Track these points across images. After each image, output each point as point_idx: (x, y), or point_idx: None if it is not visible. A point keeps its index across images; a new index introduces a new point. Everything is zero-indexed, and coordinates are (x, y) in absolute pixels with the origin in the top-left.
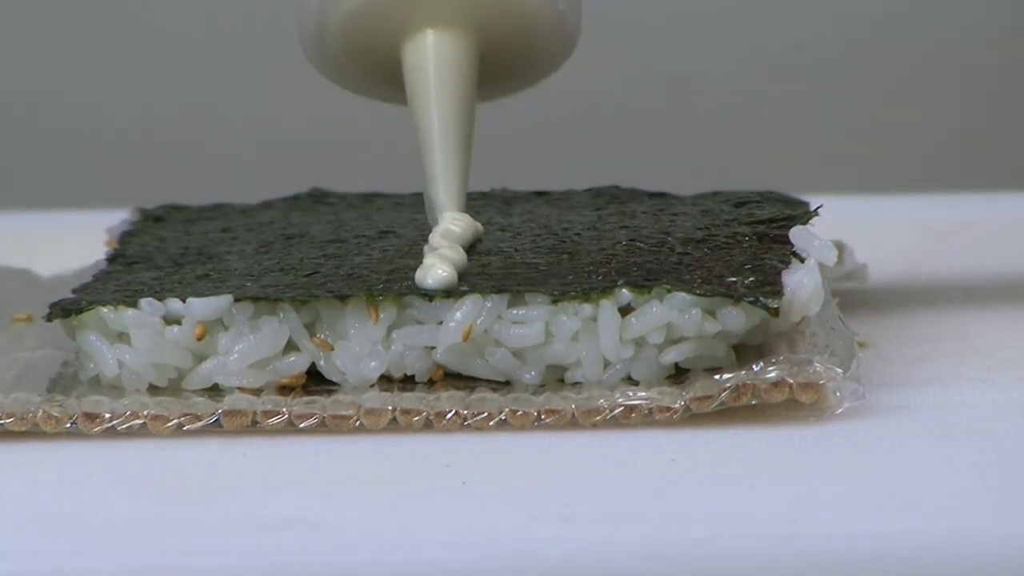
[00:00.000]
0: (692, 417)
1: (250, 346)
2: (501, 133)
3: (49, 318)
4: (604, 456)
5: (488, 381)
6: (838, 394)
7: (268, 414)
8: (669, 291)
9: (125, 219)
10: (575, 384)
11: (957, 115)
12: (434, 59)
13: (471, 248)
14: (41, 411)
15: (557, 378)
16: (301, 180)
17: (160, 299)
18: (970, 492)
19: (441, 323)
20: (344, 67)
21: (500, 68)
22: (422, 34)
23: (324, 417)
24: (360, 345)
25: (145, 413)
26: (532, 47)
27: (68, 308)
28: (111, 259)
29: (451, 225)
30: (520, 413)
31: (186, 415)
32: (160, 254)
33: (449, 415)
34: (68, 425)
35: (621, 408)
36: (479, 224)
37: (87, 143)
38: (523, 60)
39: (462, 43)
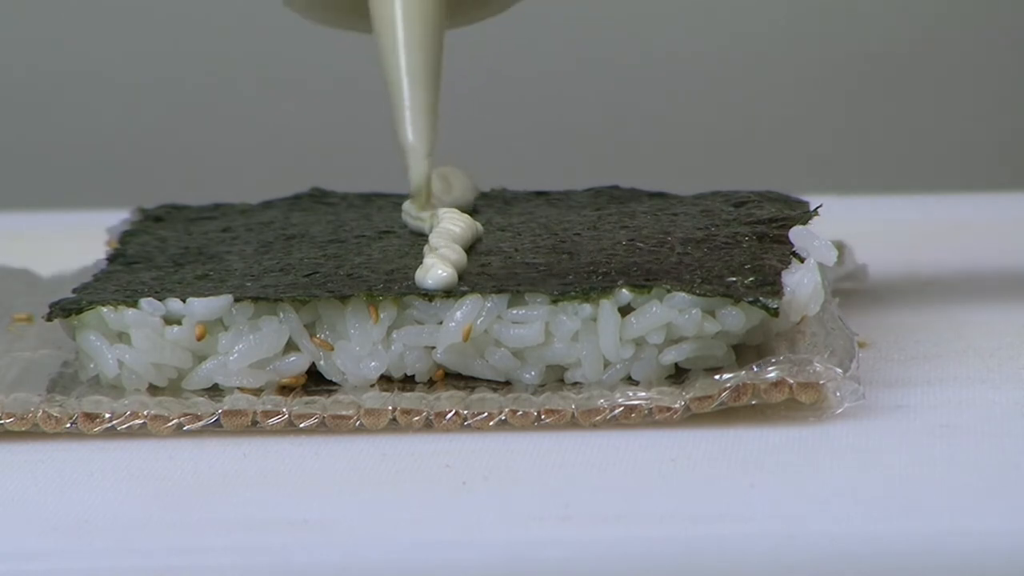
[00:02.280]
0: (692, 417)
1: (250, 346)
2: (501, 133)
3: (49, 318)
4: (604, 456)
5: (488, 381)
6: (838, 394)
7: (268, 414)
8: (669, 291)
9: (125, 219)
10: (575, 384)
11: (957, 115)
12: None
13: (471, 248)
14: (41, 411)
15: (557, 378)
16: (301, 180)
17: (160, 299)
18: (970, 492)
19: (441, 323)
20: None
21: None
22: None
23: (324, 417)
24: (360, 345)
25: (145, 413)
26: None
27: (68, 308)
28: (111, 259)
29: (451, 225)
30: (520, 413)
31: (186, 415)
32: (160, 254)
33: (449, 415)
34: (68, 425)
35: (621, 408)
36: (479, 224)
37: (87, 143)
38: None
39: None
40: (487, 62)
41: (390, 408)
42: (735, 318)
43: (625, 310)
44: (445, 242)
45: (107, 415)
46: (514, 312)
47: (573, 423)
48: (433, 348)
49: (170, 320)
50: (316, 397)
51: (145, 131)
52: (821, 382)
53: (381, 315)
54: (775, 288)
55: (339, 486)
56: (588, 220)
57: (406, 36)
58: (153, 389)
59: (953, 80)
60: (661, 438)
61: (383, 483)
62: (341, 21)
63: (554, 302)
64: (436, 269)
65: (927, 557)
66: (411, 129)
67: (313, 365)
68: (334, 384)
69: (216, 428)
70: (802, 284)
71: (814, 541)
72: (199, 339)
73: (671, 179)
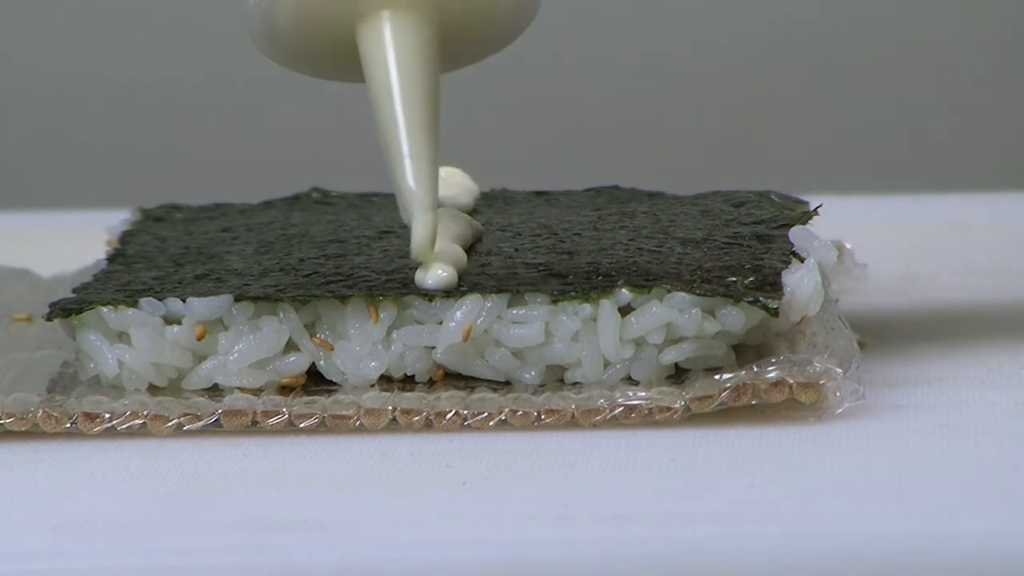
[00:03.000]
0: (692, 417)
1: (250, 346)
2: (501, 133)
3: (49, 318)
4: (604, 456)
5: (488, 381)
6: (838, 394)
7: (268, 414)
8: (669, 291)
9: (125, 219)
10: (575, 384)
11: (956, 115)
12: (391, 43)
13: (471, 248)
14: (41, 411)
15: (557, 378)
16: (301, 180)
17: (160, 299)
18: (970, 492)
19: (441, 323)
20: (295, 52)
21: (460, 41)
22: (376, 17)
23: (324, 417)
24: (360, 345)
25: (145, 413)
26: (493, 19)
27: (68, 308)
28: (111, 259)
29: (451, 225)
30: (520, 413)
31: (186, 415)
32: (160, 254)
33: (449, 415)
34: (68, 425)
35: (621, 408)
36: (479, 224)
37: (87, 143)
38: (484, 31)
39: (419, 23)
40: (487, 61)
41: (390, 408)
42: (735, 318)
43: (625, 310)
44: (445, 242)
45: (107, 415)
46: (514, 312)
47: (573, 423)
48: (433, 348)
49: (170, 320)
50: (316, 397)
51: (145, 131)
52: (821, 382)
53: (381, 315)
54: (775, 288)
55: (339, 486)
56: (588, 220)
57: (401, 82)
58: (153, 389)
59: (953, 80)
60: (661, 438)
61: (383, 483)
62: (326, 71)
63: (554, 302)
64: (436, 269)
65: (927, 557)
66: (414, 178)
67: (313, 365)
68: (334, 384)
69: (216, 428)
70: (802, 284)
71: (814, 541)
72: (199, 339)
73: (671, 179)
